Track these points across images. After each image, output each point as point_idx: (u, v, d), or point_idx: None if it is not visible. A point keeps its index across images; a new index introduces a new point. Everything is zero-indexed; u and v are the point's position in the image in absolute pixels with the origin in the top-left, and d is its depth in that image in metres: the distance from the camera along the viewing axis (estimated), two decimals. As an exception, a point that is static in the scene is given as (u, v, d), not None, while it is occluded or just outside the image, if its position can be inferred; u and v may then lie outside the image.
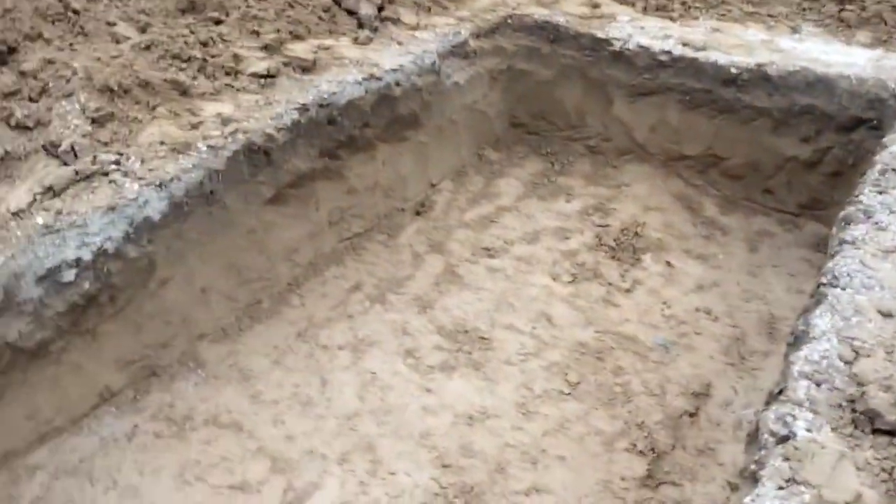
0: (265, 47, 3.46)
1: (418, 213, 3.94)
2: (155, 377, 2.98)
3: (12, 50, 2.92)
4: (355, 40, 3.78)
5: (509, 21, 4.29)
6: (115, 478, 2.63)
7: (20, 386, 2.58)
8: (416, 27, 4.03)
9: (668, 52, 3.92)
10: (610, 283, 3.55)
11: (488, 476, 2.68)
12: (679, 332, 3.28)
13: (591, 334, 3.27)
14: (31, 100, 2.85)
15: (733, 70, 3.78)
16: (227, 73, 3.28)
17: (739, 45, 3.93)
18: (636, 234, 3.82)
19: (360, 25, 3.89)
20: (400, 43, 3.84)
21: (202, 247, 3.04)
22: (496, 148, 4.44)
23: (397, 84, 3.62)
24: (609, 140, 4.30)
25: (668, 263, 3.64)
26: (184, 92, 3.13)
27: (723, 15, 4.31)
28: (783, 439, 1.77)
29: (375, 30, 3.87)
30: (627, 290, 3.51)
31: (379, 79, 3.52)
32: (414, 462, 2.74)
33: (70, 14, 3.26)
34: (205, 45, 3.32)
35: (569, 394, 3.00)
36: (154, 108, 3.03)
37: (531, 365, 3.13)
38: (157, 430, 2.81)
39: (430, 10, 4.24)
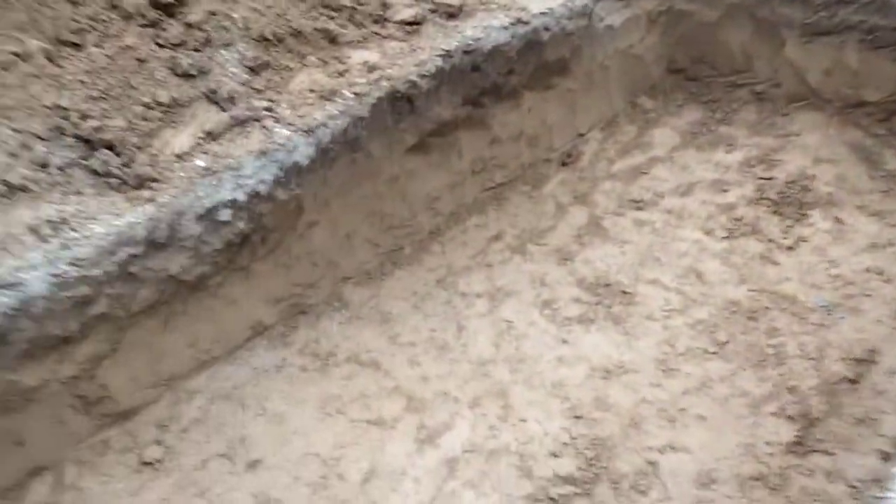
0: (413, -6, 3.47)
1: (564, 164, 3.84)
2: (302, 315, 3.14)
3: (180, 2, 3.11)
4: (504, -16, 3.70)
5: (671, -42, 4.03)
6: (264, 405, 2.81)
7: (182, 316, 2.80)
8: (568, -31, 3.87)
9: (851, -14, 3.52)
10: (770, 240, 3.29)
11: (621, 430, 2.61)
12: (845, 294, 3.00)
13: (745, 292, 3.07)
14: (195, 50, 3.03)
15: (928, 3, 3.34)
16: (375, 21, 3.33)
17: (938, -25, 3.46)
18: (804, 187, 3.51)
19: (510, -31, 3.79)
20: (551, -15, 3.71)
21: (346, 193, 3.13)
22: (651, 95, 4.22)
23: (545, 28, 3.52)
24: (778, 86, 3.96)
25: (839, 220, 3.32)
26: (332, 40, 3.21)
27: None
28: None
29: (525, -27, 3.76)
30: (789, 248, 3.25)
31: (526, 23, 3.43)
32: (545, 411, 2.71)
33: (232, -32, 3.42)
34: (355, -7, 3.38)
35: (714, 353, 2.84)
36: (304, 56, 3.14)
37: (675, 322, 2.99)
38: (302, 364, 2.97)
39: (585, -50, 4.05)
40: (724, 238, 3.34)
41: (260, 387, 2.88)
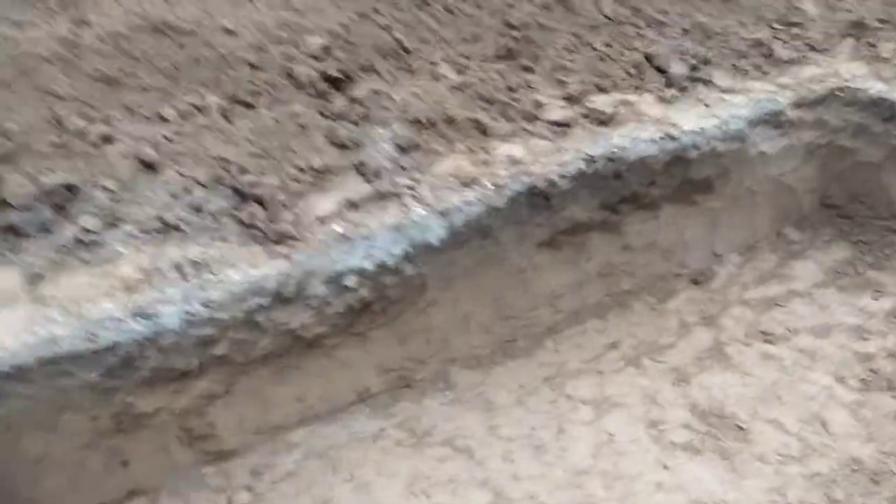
0: (567, 97, 3.55)
1: (695, 282, 3.74)
2: (407, 388, 3.18)
3: (348, 78, 3.35)
4: (660, 98, 3.72)
5: (838, 94, 3.91)
6: (354, 472, 2.85)
7: (294, 370, 2.92)
8: (728, 90, 3.85)
9: None
10: (908, 400, 3.05)
11: (712, 576, 2.45)
12: None
13: (872, 452, 2.83)
14: (353, 123, 3.23)
15: None
16: (525, 118, 3.43)
17: None
18: (956, 349, 3.25)
19: (669, 84, 3.82)
20: (707, 105, 3.69)
21: (471, 277, 3.19)
22: (799, 227, 4.06)
23: (694, 147, 3.49)
24: (940, 237, 3.72)
25: None
26: (483, 131, 3.33)
27: None
28: None
29: (684, 89, 3.77)
30: (930, 413, 2.99)
31: (675, 139, 3.42)
32: (635, 537, 2.59)
33: (402, 52, 3.65)
34: (511, 89, 3.50)
35: (828, 513, 2.63)
36: (453, 142, 3.27)
37: (790, 469, 2.80)
38: (399, 438, 2.99)
39: (747, 73, 4.02)
40: (856, 389, 3.12)
41: (354, 452, 2.92)
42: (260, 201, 2.89)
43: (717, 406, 3.08)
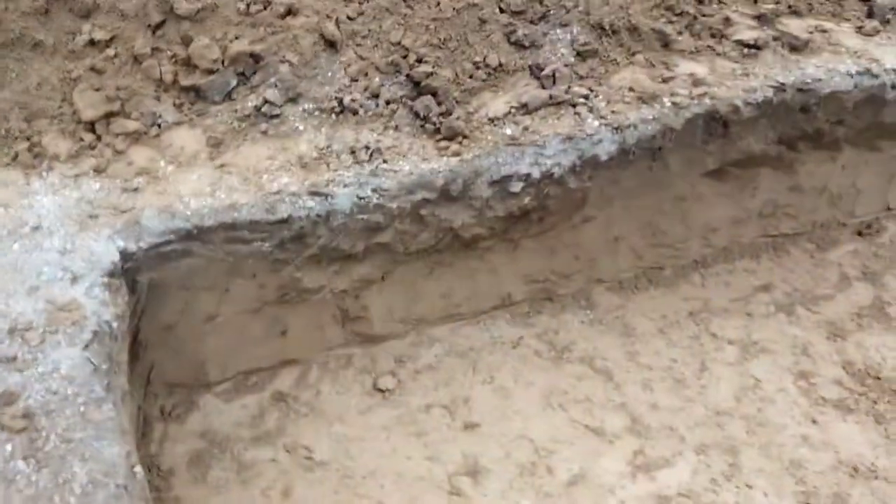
0: (759, 17, 3.29)
1: (860, 234, 3.51)
2: (549, 301, 3.15)
3: (532, -28, 3.18)
4: (859, 29, 3.41)
5: None
6: (493, 375, 2.88)
7: (447, 268, 2.92)
8: (937, 28, 3.49)
9: None
10: None
11: (857, 538, 2.38)
12: None
13: None
14: (531, 22, 3.09)
15: None
16: (713, 35, 3.20)
17: None
18: None
19: (870, 14, 3.48)
20: (914, 41, 3.37)
21: (631, 198, 3.08)
22: None
23: (893, 87, 3.20)
24: None
25: None
26: (665, 44, 3.13)
27: None
28: None
29: (887, 22, 3.43)
30: None
31: (875, 76, 3.14)
32: (775, 486, 2.54)
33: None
34: (700, 2, 3.26)
35: None
36: (633, 53, 3.10)
37: (950, 442, 2.67)
38: (538, 349, 2.99)
39: (960, 12, 3.63)
40: None
41: (494, 356, 2.94)
42: (434, 94, 2.82)
43: (874, 367, 2.94)
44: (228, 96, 2.70)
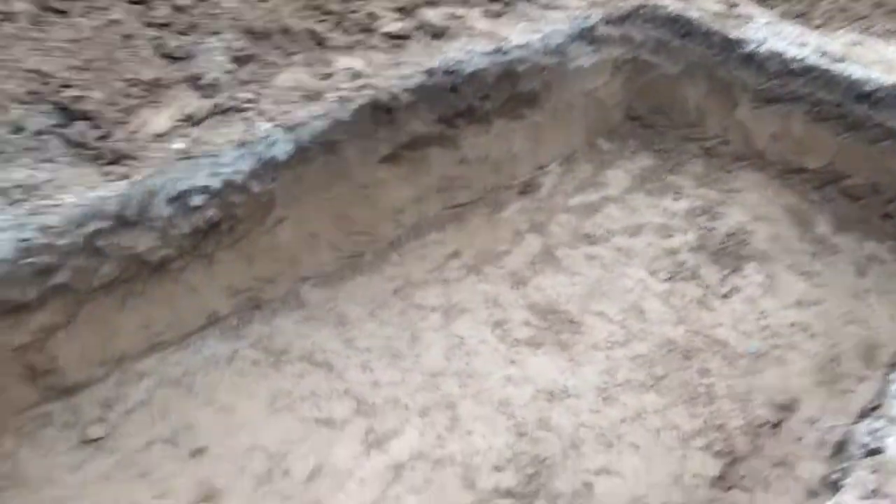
0: (400, 9, 3.56)
1: (523, 193, 3.98)
2: (258, 310, 3.14)
3: (170, -15, 3.12)
4: (486, 12, 3.83)
5: (642, 11, 4.24)
6: (213, 395, 2.81)
7: (139, 297, 2.78)
8: (547, 6, 4.04)
9: (803, 60, 3.80)
10: (707, 286, 3.50)
11: (562, 451, 2.73)
12: (772, 344, 3.22)
13: (682, 333, 3.25)
14: (181, 33, 3.03)
15: (869, 86, 3.64)
16: (362, 30, 3.40)
17: (879, 62, 3.78)
18: (741, 241, 3.75)
19: (494, -1, 3.94)
20: (530, 20, 3.87)
21: (317, 193, 3.18)
22: (609, 138, 4.41)
23: (521, 60, 3.66)
24: (727, 143, 4.22)
25: (770, 275, 3.57)
26: (320, 43, 3.26)
27: (865, 29, 4.14)
28: (872, 452, 1.75)
29: (507, 3, 3.91)
30: (724, 296, 3.46)
31: (505, 53, 3.57)
32: (491, 426, 2.81)
33: (225, -43, 3.43)
34: (345, 1, 3.44)
35: (651, 386, 3.01)
36: (291, 54, 3.18)
37: (617, 353, 3.15)
38: (255, 358, 2.97)
39: (563, -9, 4.24)
40: (666, 280, 3.53)
41: (210, 376, 2.87)
42: (87, 118, 2.66)
43: (553, 304, 3.36)
44: None
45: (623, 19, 4.23)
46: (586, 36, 4.03)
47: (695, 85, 4.22)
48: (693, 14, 4.14)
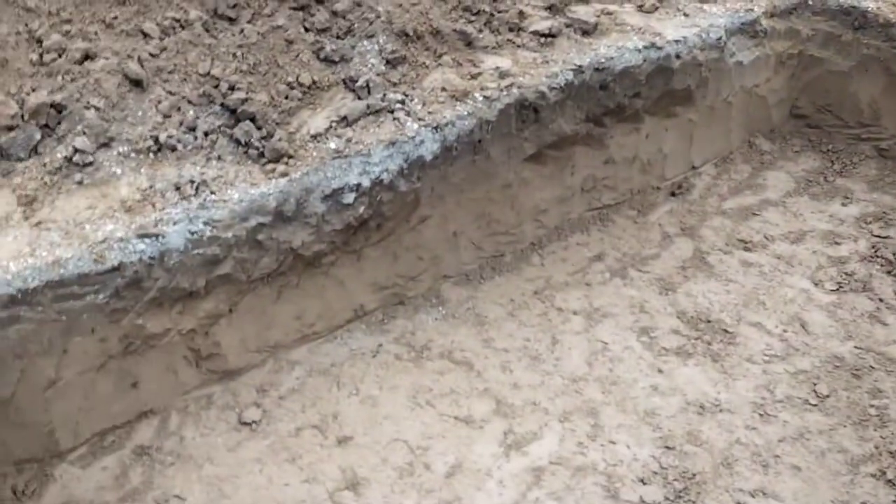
0: (549, 7, 3.52)
1: (674, 194, 3.83)
2: (401, 305, 3.21)
3: (329, -9, 3.24)
4: (640, 7, 3.72)
5: (810, 3, 3.97)
6: (358, 386, 2.89)
7: (294, 289, 2.91)
8: (705, 0, 3.87)
9: None
10: (881, 299, 3.22)
11: (713, 468, 2.59)
12: (956, 366, 2.92)
13: (850, 349, 3.01)
14: (338, 37, 3.14)
15: None
16: (511, 29, 3.39)
17: None
18: (921, 251, 3.43)
19: (648, -7, 3.81)
20: (686, 14, 3.72)
21: (461, 192, 3.20)
22: (770, 137, 4.16)
23: (677, 56, 3.52)
24: (904, 144, 3.87)
25: (956, 289, 3.23)
26: (469, 43, 3.28)
27: None
28: None
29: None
30: (900, 310, 3.18)
31: (659, 48, 3.44)
32: (635, 437, 2.71)
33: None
34: (494, 0, 3.44)
35: (815, 405, 2.80)
36: (440, 55, 3.22)
37: (776, 368, 2.96)
38: (397, 353, 3.04)
39: (722, -16, 4.04)
40: (832, 291, 3.28)
41: (355, 368, 2.96)
42: (252, 119, 2.81)
43: (704, 312, 3.20)
44: (34, 151, 2.56)
45: (789, 12, 3.98)
46: (747, 30, 3.83)
47: (869, 81, 3.90)
48: (868, 4, 3.82)
